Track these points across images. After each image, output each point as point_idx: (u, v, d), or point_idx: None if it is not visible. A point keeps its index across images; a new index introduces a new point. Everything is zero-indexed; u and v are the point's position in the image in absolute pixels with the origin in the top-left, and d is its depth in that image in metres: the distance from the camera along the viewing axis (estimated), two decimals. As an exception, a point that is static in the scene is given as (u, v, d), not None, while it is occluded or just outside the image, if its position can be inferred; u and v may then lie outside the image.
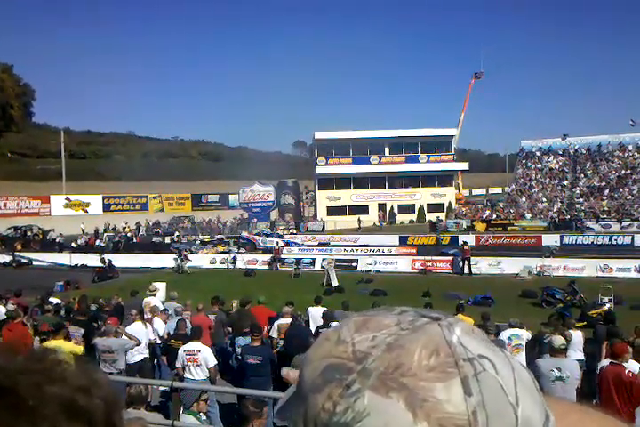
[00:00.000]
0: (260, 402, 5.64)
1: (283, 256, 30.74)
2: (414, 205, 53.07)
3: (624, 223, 40.86)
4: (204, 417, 6.54)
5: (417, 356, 0.51)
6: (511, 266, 25.47)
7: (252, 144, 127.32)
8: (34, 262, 32.82)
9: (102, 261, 28.12)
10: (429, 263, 27.45)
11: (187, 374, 8.08)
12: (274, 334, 10.52)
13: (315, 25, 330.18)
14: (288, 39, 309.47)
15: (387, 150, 54.10)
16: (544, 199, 50.46)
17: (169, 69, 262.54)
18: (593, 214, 44.26)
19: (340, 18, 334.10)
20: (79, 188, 59.34)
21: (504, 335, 9.44)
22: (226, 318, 11.78)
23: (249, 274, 27.57)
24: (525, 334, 9.67)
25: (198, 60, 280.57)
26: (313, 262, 29.38)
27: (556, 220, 43.75)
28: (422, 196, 53.35)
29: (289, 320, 10.45)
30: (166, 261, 30.43)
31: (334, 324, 9.73)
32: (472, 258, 26.26)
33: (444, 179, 54.11)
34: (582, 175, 53.04)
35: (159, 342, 10.61)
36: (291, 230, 47.12)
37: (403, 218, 52.31)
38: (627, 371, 6.67)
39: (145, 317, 11.23)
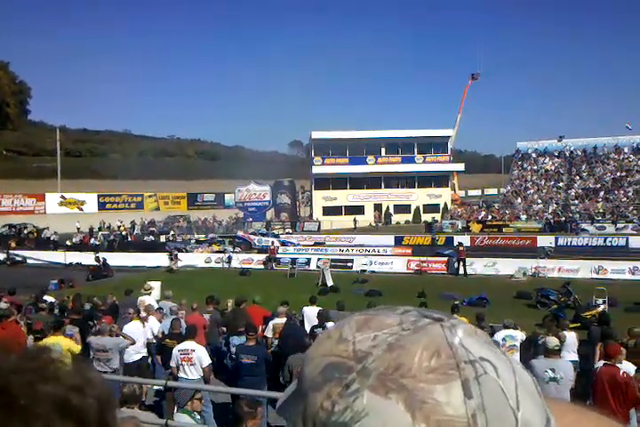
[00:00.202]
0: (255, 402, 5.63)
1: (278, 256, 30.73)
2: (410, 205, 53.15)
3: (619, 225, 41.02)
4: (198, 416, 6.52)
5: (418, 357, 0.51)
6: (506, 267, 25.52)
7: (248, 143, 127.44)
8: (28, 260, 32.68)
9: (97, 259, 28.03)
10: (425, 264, 27.49)
11: (181, 374, 8.06)
12: (269, 333, 10.51)
13: (312, 26, 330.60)
14: (285, 39, 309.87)
15: (383, 151, 54.15)
16: (539, 201, 50.60)
17: (166, 68, 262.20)
18: (588, 216, 44.42)
19: (338, 19, 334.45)
20: (74, 186, 59.14)
21: (498, 336, 9.45)
22: (221, 317, 11.75)
23: (244, 273, 27.54)
24: (520, 335, 9.69)
25: (195, 59, 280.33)
26: (308, 262, 29.37)
27: (551, 221, 43.87)
28: (418, 196, 53.41)
29: (284, 320, 10.44)
30: (161, 260, 30.36)
31: (329, 324, 9.79)
32: (467, 259, 26.31)
33: (439, 179, 54.19)
34: (578, 177, 53.21)
35: (154, 341, 10.58)
36: (286, 230, 47.10)
37: (398, 218, 52.38)
38: (621, 372, 6.69)
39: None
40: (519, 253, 29.71)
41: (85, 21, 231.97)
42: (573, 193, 50.82)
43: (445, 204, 53.24)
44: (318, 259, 29.07)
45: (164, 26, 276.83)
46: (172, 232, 43.45)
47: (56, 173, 58.13)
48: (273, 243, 33.45)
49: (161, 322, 10.95)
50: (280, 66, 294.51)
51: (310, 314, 11.74)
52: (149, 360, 10.41)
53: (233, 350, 9.29)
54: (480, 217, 48.24)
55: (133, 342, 9.39)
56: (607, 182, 50.88)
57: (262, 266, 29.99)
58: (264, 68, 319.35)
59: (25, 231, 42.24)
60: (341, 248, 34.65)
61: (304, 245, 36.82)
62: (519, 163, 58.39)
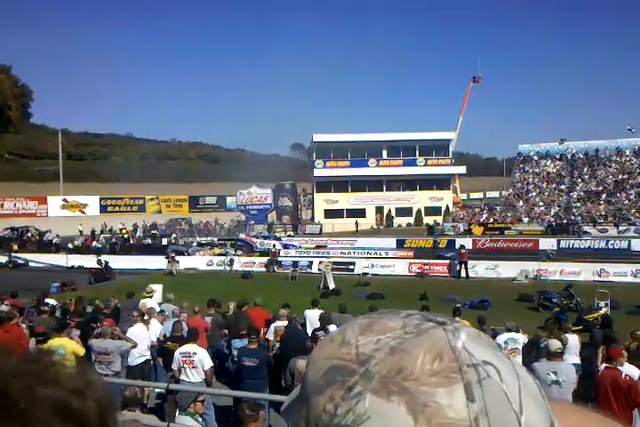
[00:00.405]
0: (257, 405, 5.63)
1: (280, 259, 30.71)
2: (412, 208, 53.13)
3: (621, 228, 40.98)
4: (200, 419, 6.52)
5: (420, 360, 0.51)
6: (508, 270, 25.48)
7: (249, 146, 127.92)
8: (30, 263, 32.68)
9: (99, 262, 28.03)
10: (426, 267, 27.44)
11: (183, 377, 8.06)
12: (270, 336, 10.51)
13: (314, 29, 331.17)
14: (286, 42, 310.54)
15: (385, 153, 54.16)
16: (541, 203, 50.56)
17: (167, 71, 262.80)
18: (590, 219, 44.36)
19: (339, 21, 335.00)
20: (76, 189, 59.29)
21: (500, 339, 9.43)
22: (222, 320, 11.75)
23: (246, 276, 27.51)
24: (522, 338, 9.66)
25: (196, 62, 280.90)
26: (310, 265, 29.33)
27: (553, 224, 43.83)
28: (420, 199, 53.40)
29: (285, 323, 10.44)
30: (162, 262, 30.34)
31: (331, 327, 9.78)
32: (469, 261, 26.26)
33: (441, 182, 54.17)
34: (579, 180, 53.17)
35: (156, 344, 10.57)
36: (288, 233, 47.10)
37: (400, 221, 52.37)
38: (623, 375, 6.67)
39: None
40: (521, 255, 29.67)
41: (87, 24, 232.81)
42: (575, 196, 50.78)
43: (447, 206, 53.20)
44: (320, 262, 29.03)
45: (165, 30, 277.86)
46: (173, 235, 43.45)
47: (58, 176, 58.27)
48: (275, 246, 33.44)
49: (163, 325, 10.95)
50: (281, 68, 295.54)
51: (312, 317, 11.73)
52: (151, 363, 10.41)
53: (235, 352, 9.29)
54: (482, 220, 48.21)
55: (135, 345, 9.37)
56: (609, 185, 50.83)
57: (264, 269, 29.95)
58: (265, 71, 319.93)
59: (27, 234, 42.28)
60: (343, 251, 34.63)
61: (306, 248, 36.80)
62: (521, 165, 58.38)
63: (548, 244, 34.99)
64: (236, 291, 19.98)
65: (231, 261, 30.57)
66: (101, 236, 42.91)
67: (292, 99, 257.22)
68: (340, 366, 0.53)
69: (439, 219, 49.70)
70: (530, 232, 42.37)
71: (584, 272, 24.40)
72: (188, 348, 8.17)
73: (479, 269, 26.36)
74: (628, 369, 6.95)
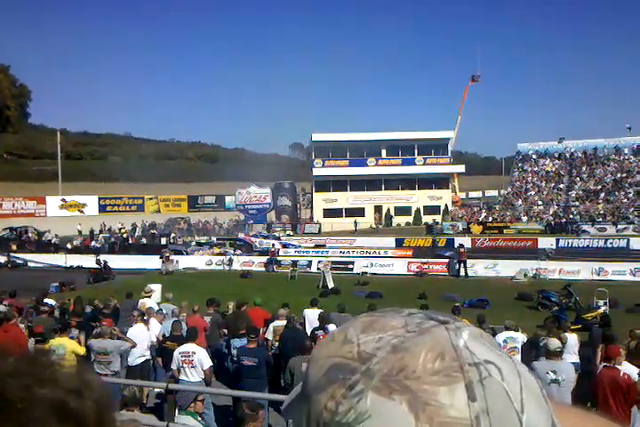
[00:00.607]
0: (256, 405, 5.63)
1: (279, 258, 30.72)
2: (411, 207, 53.13)
3: (619, 226, 41.02)
4: (200, 418, 6.52)
5: (422, 359, 0.51)
6: (507, 269, 25.50)
7: (248, 146, 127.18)
8: (29, 263, 32.65)
9: (98, 262, 28.01)
10: (425, 266, 27.46)
11: (182, 376, 8.05)
12: (269, 335, 10.51)
13: (312, 28, 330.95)
14: (285, 42, 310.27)
15: (383, 153, 54.16)
16: (540, 202, 50.60)
17: (166, 71, 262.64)
18: (589, 217, 44.41)
19: (338, 21, 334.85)
20: (75, 189, 59.18)
21: (499, 338, 9.44)
22: (221, 319, 11.74)
23: (245, 276, 27.51)
24: (521, 337, 9.67)
25: (195, 62, 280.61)
26: (309, 264, 29.35)
27: (552, 223, 43.88)
28: (419, 198, 53.40)
29: (284, 322, 10.44)
30: (159, 262, 30.23)
31: (330, 326, 9.78)
32: (468, 260, 26.28)
33: (440, 181, 54.17)
34: (578, 178, 53.22)
35: (155, 343, 10.56)
36: (287, 232, 47.10)
37: (399, 220, 52.37)
38: (621, 373, 6.68)
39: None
40: (520, 254, 29.70)
41: (85, 24, 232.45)
42: (574, 194, 50.82)
43: (446, 205, 53.21)
44: (319, 261, 29.05)
45: (164, 29, 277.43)
46: (172, 235, 43.43)
47: (57, 175, 58.19)
48: (274, 245, 33.43)
49: (162, 324, 10.95)
50: (280, 68, 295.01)
51: (311, 316, 11.73)
52: (150, 363, 10.40)
53: (234, 352, 9.29)
54: (481, 219, 48.25)
55: (134, 345, 9.37)
56: (608, 184, 50.89)
57: (263, 268, 29.95)
58: (264, 71, 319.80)
59: (26, 234, 42.24)
60: (342, 250, 34.64)
61: (305, 248, 36.80)
62: (520, 164, 58.42)
63: (546, 243, 35.03)
64: (235, 290, 19.99)
65: (230, 260, 30.57)
66: (100, 235, 42.90)
67: (290, 98, 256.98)
68: (341, 364, 0.53)
69: (438, 218, 49.73)
70: (529, 231, 42.40)
71: (583, 271, 24.44)
72: (188, 347, 8.17)
73: (478, 268, 26.38)
74: (627, 368, 6.96)
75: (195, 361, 8.01)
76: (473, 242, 37.39)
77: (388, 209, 53.25)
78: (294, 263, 28.99)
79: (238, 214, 55.48)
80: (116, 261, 29.39)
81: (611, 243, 35.58)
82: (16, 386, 0.59)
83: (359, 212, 52.74)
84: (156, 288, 16.67)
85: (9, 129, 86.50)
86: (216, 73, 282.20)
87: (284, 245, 35.83)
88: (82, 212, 56.16)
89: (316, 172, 53.31)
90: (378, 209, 53.28)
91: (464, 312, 12.90)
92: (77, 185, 62.31)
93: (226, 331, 11.01)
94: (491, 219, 47.80)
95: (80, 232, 45.24)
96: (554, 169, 55.83)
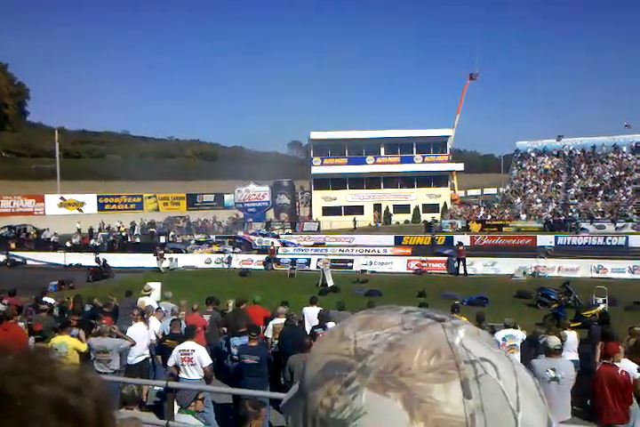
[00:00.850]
0: (259, 402, 5.64)
1: (278, 256, 30.73)
2: (410, 205, 53.16)
3: (618, 224, 41.03)
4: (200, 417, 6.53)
5: (417, 356, 0.50)
6: (506, 266, 25.54)
7: (247, 144, 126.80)
8: (28, 262, 32.67)
9: (97, 260, 28.01)
10: (424, 264, 27.49)
11: (182, 374, 8.07)
12: (268, 334, 10.52)
13: (310, 26, 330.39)
14: (283, 39, 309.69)
15: (382, 151, 54.17)
16: (539, 200, 50.60)
17: (164, 69, 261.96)
18: (587, 215, 44.42)
19: (337, 19, 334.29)
20: (74, 187, 59.09)
21: (499, 336, 9.45)
22: (221, 317, 11.75)
23: (244, 274, 27.53)
24: (520, 335, 9.68)
25: (194, 60, 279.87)
26: (308, 263, 29.38)
27: (551, 220, 43.90)
28: (417, 196, 53.43)
29: (283, 320, 10.45)
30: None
31: (329, 324, 9.78)
32: (467, 258, 26.33)
33: (439, 179, 54.21)
34: (577, 176, 53.23)
35: (155, 342, 10.57)
36: (286, 230, 47.13)
37: (398, 218, 52.39)
38: (619, 371, 6.69)
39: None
40: (519, 252, 29.73)
41: (83, 21, 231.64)
42: (573, 192, 50.83)
43: (445, 203, 53.26)
44: (318, 259, 29.07)
45: (162, 27, 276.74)
46: (171, 233, 43.44)
47: (55, 174, 58.09)
48: (273, 243, 33.44)
49: (161, 323, 10.96)
50: (278, 66, 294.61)
51: (310, 314, 11.74)
52: (150, 361, 10.41)
53: (233, 350, 9.29)
54: (480, 217, 48.25)
55: (134, 344, 9.38)
56: (606, 181, 50.89)
57: (262, 266, 29.98)
58: (262, 69, 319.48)
59: (25, 233, 42.22)
60: (341, 248, 34.67)
61: (304, 246, 36.82)
62: (518, 162, 58.39)
63: (545, 240, 35.06)
64: (235, 289, 19.99)
65: (229, 258, 30.59)
66: (99, 234, 42.89)
67: (289, 96, 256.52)
68: (337, 361, 0.53)
69: (437, 216, 49.73)
70: (527, 229, 42.44)
71: (582, 269, 24.49)
72: (187, 345, 8.18)
73: (477, 265, 26.43)
74: (626, 365, 6.97)
75: (194, 359, 8.02)
76: (472, 240, 37.44)
77: (387, 207, 53.27)
78: (293, 261, 29.04)
79: (237, 213, 55.50)
80: (116, 260, 29.40)
81: (610, 241, 35.63)
82: (16, 384, 0.59)
83: (358, 210, 52.76)
84: (156, 287, 16.69)
85: (7, 127, 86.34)
86: (214, 71, 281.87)
87: (284, 244, 35.86)
88: (80, 210, 56.13)
89: (314, 170, 53.32)
90: (377, 207, 53.30)
91: (463, 310, 12.92)
92: (76, 183, 62.19)
93: (225, 329, 11.01)
94: (490, 217, 47.81)
95: (79, 230, 45.21)
96: (552, 167, 55.83)
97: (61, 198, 56.07)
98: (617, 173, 51.47)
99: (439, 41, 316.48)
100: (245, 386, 7.79)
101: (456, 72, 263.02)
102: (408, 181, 53.88)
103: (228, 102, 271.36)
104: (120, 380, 7.02)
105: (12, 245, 36.47)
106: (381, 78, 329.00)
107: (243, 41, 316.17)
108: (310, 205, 55.48)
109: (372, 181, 53.70)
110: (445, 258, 27.68)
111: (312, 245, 37.36)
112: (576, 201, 48.93)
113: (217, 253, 33.16)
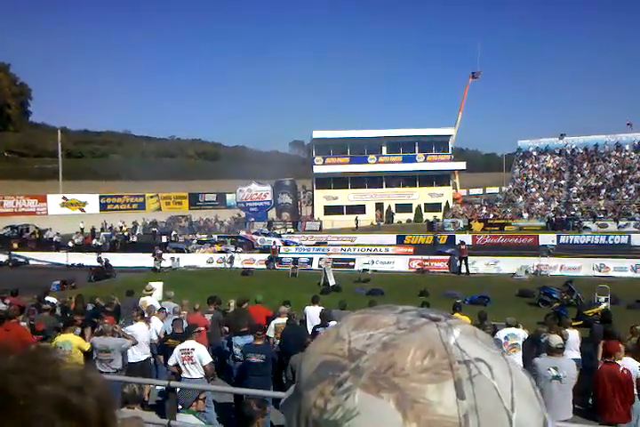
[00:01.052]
0: (263, 401, 5.66)
1: (280, 256, 30.73)
2: (412, 204, 53.11)
3: (621, 223, 40.98)
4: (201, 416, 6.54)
5: (411, 356, 0.50)
6: (508, 265, 25.50)
7: (249, 143, 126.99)
8: (30, 262, 32.72)
9: (99, 260, 28.04)
10: (426, 263, 27.46)
11: (184, 374, 8.08)
12: (270, 333, 10.52)
13: (312, 25, 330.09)
14: (285, 39, 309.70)
15: (384, 150, 54.13)
16: (541, 199, 50.54)
17: (166, 68, 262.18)
18: (590, 214, 44.34)
19: (339, 19, 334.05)
20: (76, 187, 59.25)
21: (501, 335, 9.44)
22: (223, 317, 11.76)
23: (246, 273, 27.54)
24: (522, 334, 9.67)
25: (195, 59, 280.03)
26: (310, 262, 29.37)
27: (553, 219, 43.83)
28: (419, 195, 53.39)
29: (285, 320, 10.45)
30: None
31: (331, 323, 9.77)
32: (469, 257, 26.28)
33: (441, 178, 54.17)
34: (579, 175, 53.14)
35: (156, 341, 10.59)
36: (288, 230, 47.13)
37: (400, 217, 52.34)
38: (621, 369, 6.69)
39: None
40: (521, 251, 29.67)
41: (85, 22, 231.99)
42: (575, 191, 50.76)
43: (447, 202, 53.21)
44: (320, 258, 29.06)
45: (163, 27, 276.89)
46: (173, 232, 43.47)
47: (57, 174, 58.27)
48: (275, 243, 33.45)
49: (163, 322, 10.97)
50: (281, 66, 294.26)
51: (312, 314, 11.74)
52: (152, 361, 10.43)
53: (235, 350, 9.30)
54: (482, 216, 48.20)
55: (135, 343, 9.39)
56: (609, 180, 50.82)
57: (264, 266, 29.99)
58: (264, 68, 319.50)
59: (27, 232, 42.29)
60: (343, 248, 34.65)
61: (306, 245, 36.82)
62: (520, 161, 58.34)
63: (547, 239, 35.00)
64: (237, 288, 20.00)
65: (231, 258, 30.59)
66: (101, 234, 42.94)
67: (291, 95, 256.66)
68: (331, 361, 0.53)
69: (439, 215, 49.71)
70: (530, 228, 42.38)
71: (584, 267, 24.44)
72: (187, 344, 8.20)
73: (479, 264, 26.40)
74: (627, 363, 6.96)
75: (194, 357, 8.04)
76: (474, 239, 37.38)
77: (389, 206, 53.23)
78: (295, 261, 29.05)
79: (239, 212, 55.52)
80: (118, 259, 29.42)
81: (612, 239, 35.55)
82: (18, 383, 0.59)
83: (360, 209, 52.75)
84: (158, 286, 16.70)
85: (10, 127, 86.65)
86: (216, 71, 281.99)
87: (285, 243, 35.85)
88: (83, 210, 56.25)
89: (316, 169, 53.31)
90: (379, 206, 53.28)
91: (465, 309, 12.92)
92: (78, 183, 62.39)
93: (227, 329, 11.03)
94: (492, 216, 47.75)
95: (82, 230, 45.28)
96: (555, 165, 55.76)
97: (64, 198, 56.19)
98: (619, 171, 51.38)
99: (441, 40, 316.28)
100: (249, 385, 7.80)
101: (458, 71, 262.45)
102: (410, 180, 53.84)
103: (229, 102, 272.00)
104: (122, 379, 7.03)
105: (15, 245, 36.53)
106: (383, 77, 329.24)
107: (244, 40, 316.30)
108: (312, 205, 55.47)
109: (373, 181, 53.67)
110: (447, 257, 27.65)
111: (314, 245, 37.34)
112: (578, 200, 48.86)
113: (219, 252, 33.18)
